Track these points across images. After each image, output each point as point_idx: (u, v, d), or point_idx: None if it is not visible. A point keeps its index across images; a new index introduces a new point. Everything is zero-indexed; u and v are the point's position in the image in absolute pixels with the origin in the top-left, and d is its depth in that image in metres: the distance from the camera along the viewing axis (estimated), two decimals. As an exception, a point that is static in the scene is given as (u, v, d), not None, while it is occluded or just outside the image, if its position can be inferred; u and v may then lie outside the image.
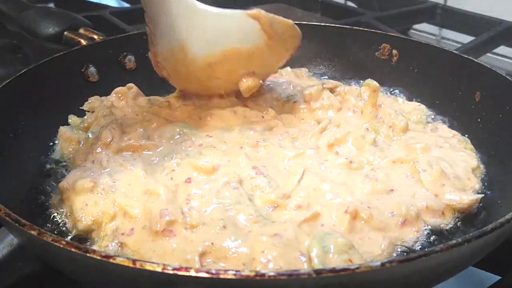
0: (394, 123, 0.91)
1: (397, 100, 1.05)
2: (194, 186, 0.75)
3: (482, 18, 1.48)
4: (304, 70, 1.17)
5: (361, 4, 1.78)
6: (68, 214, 0.74)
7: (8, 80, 0.84)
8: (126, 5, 1.84)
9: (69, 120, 0.96)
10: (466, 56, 1.00)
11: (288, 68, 1.14)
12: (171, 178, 0.77)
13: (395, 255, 0.67)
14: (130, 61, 1.09)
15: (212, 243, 0.63)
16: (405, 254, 0.67)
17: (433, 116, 1.00)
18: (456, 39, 1.61)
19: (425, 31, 1.70)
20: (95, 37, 1.13)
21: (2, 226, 0.70)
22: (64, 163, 0.86)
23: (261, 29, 0.86)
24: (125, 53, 1.08)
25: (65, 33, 1.14)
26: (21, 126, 0.85)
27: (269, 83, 1.06)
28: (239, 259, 0.62)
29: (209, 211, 0.70)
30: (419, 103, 1.02)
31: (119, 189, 0.74)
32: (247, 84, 0.90)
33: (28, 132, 0.85)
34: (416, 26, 1.68)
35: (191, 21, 0.86)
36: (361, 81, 1.12)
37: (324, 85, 1.02)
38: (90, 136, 0.90)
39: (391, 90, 1.10)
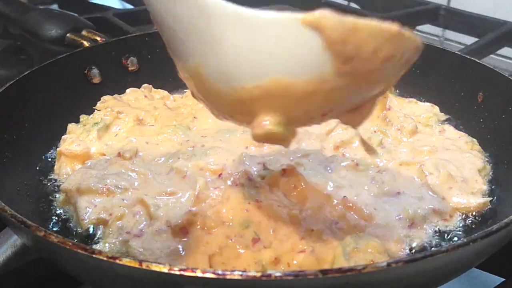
0: (403, 125, 0.90)
1: (410, 101, 1.02)
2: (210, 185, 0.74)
3: (486, 19, 1.47)
4: None
5: (364, 5, 1.77)
6: (73, 212, 0.74)
7: (12, 81, 0.84)
8: (129, 6, 1.84)
9: (80, 119, 0.95)
10: (468, 57, 0.99)
11: None
12: (184, 177, 0.77)
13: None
14: (132, 62, 1.09)
15: (226, 245, 0.63)
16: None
17: (445, 118, 0.98)
18: (459, 40, 1.61)
19: (428, 32, 1.69)
20: (98, 38, 1.12)
21: (5, 228, 0.70)
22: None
23: (326, 47, 0.46)
24: (127, 55, 1.08)
25: (68, 35, 1.14)
26: (24, 127, 0.85)
27: None
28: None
29: (223, 211, 0.69)
30: (431, 104, 1.00)
31: (127, 189, 0.74)
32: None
33: (32, 133, 0.85)
34: (419, 28, 1.66)
35: (204, 35, 0.49)
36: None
37: None
38: None
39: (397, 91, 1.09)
